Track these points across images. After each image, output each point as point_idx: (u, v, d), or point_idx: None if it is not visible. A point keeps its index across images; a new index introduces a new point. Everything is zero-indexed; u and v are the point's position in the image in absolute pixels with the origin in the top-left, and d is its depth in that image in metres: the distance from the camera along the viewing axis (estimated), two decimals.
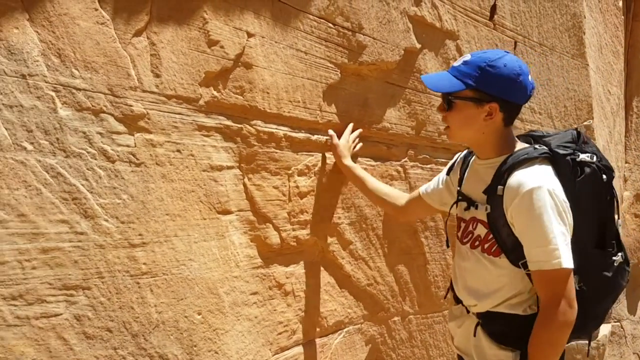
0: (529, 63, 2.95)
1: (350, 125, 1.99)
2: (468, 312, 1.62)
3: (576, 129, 1.61)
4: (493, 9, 2.70)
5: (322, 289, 1.99)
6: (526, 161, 1.45)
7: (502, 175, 1.45)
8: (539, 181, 1.40)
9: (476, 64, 1.43)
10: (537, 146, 1.50)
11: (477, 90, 1.43)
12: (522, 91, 1.46)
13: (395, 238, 2.29)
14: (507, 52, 1.49)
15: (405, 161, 2.32)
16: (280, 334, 1.84)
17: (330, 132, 1.94)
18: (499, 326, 1.52)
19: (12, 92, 1.27)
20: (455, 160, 1.74)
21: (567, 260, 1.37)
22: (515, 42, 2.85)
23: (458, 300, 1.68)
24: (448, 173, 1.74)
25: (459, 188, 1.65)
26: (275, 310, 1.82)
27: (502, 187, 1.44)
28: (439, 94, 1.57)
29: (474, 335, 1.57)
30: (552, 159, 1.48)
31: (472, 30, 2.54)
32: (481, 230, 1.53)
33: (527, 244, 1.42)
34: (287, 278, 1.87)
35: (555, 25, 3.11)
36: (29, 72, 1.29)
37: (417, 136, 2.35)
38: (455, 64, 1.49)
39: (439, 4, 2.32)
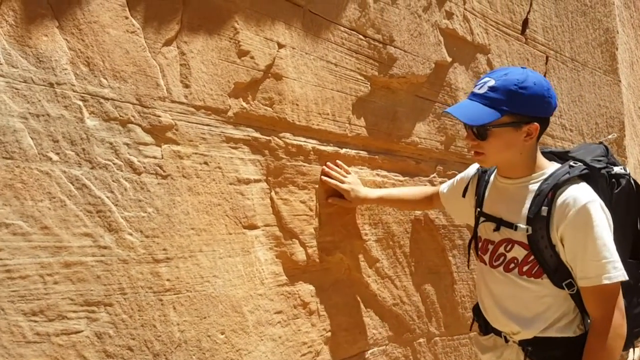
0: (560, 79, 2.87)
1: (338, 162, 1.87)
2: (507, 341, 1.54)
3: (601, 142, 1.57)
4: (525, 23, 2.64)
5: (347, 308, 1.92)
6: (569, 180, 1.41)
7: (545, 195, 1.41)
8: (592, 196, 1.38)
9: (506, 88, 1.37)
10: (572, 163, 1.46)
11: (514, 114, 1.39)
12: (552, 104, 1.44)
13: (423, 256, 2.22)
14: (525, 68, 1.45)
15: (434, 177, 2.26)
16: (304, 355, 1.77)
17: (327, 180, 1.81)
18: (551, 351, 1.46)
19: (40, 100, 1.24)
20: (469, 181, 1.67)
21: (624, 273, 1.36)
22: (547, 57, 2.78)
23: (487, 330, 1.59)
24: (463, 195, 1.66)
25: (479, 209, 1.57)
26: (299, 330, 1.75)
27: (546, 207, 1.39)
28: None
29: None
30: (589, 174, 1.44)
31: (503, 44, 2.48)
32: (519, 252, 1.46)
33: (583, 258, 1.37)
34: (312, 296, 1.80)
35: (588, 40, 3.03)
36: (57, 81, 1.26)
37: (446, 151, 2.29)
38: (479, 90, 1.41)
39: (470, 17, 2.27)
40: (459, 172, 2.37)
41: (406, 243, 2.15)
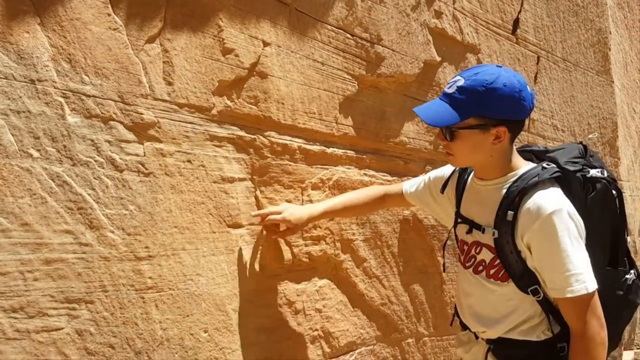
0: (552, 79, 2.87)
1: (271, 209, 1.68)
2: (477, 337, 1.55)
3: (581, 142, 1.54)
4: (516, 22, 2.63)
5: (334, 307, 1.92)
6: (538, 184, 1.36)
7: (512, 199, 1.37)
8: (558, 204, 1.33)
9: (473, 89, 1.32)
10: (545, 165, 1.42)
11: (480, 116, 1.34)
12: (525, 106, 1.36)
13: (411, 256, 2.21)
14: (500, 67, 1.38)
15: None
16: None
17: (264, 223, 1.65)
18: (512, 351, 1.46)
19: (20, 97, 1.24)
20: (449, 177, 1.63)
21: (592, 283, 1.32)
22: (538, 57, 2.77)
23: (465, 327, 1.59)
24: (442, 191, 1.64)
25: (457, 209, 1.56)
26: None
27: (512, 212, 1.36)
28: None
29: None
30: (562, 177, 1.40)
31: (493, 44, 2.48)
32: (486, 255, 1.46)
33: (549, 270, 1.35)
34: (298, 296, 1.80)
35: (580, 40, 3.03)
36: (38, 78, 1.26)
37: (435, 151, 2.28)
38: (449, 90, 1.36)
39: (460, 17, 2.27)
40: None
41: (394, 243, 2.14)
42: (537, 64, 2.76)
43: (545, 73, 2.82)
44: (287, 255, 1.77)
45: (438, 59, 2.20)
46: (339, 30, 1.87)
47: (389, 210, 2.12)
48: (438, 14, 2.17)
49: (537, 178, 1.37)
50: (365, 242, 2.04)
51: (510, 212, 1.36)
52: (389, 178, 2.11)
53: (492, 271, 1.45)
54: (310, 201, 1.84)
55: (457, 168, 1.60)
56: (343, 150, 1.96)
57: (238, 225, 1.64)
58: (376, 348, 2.09)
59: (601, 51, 3.15)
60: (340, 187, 1.93)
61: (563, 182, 1.40)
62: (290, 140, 1.78)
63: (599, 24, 3.13)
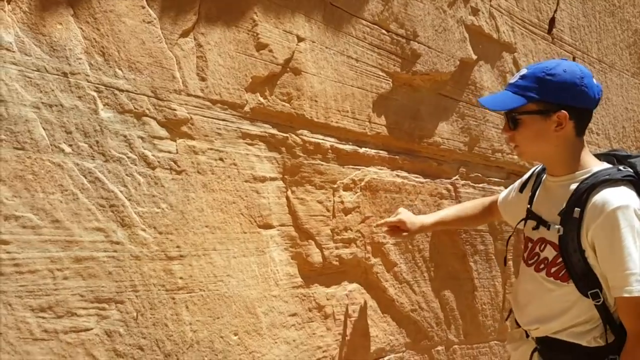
0: None
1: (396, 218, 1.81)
2: (527, 336, 1.51)
3: None
4: (552, 22, 2.56)
5: (364, 313, 1.86)
6: (608, 182, 1.33)
7: (580, 195, 1.34)
8: (625, 200, 1.30)
9: (534, 75, 1.37)
10: (621, 167, 1.38)
11: (542, 101, 1.36)
12: (589, 94, 1.37)
13: (443, 261, 2.14)
14: (564, 59, 1.44)
15: (456, 179, 2.19)
16: (318, 359, 1.71)
17: (380, 222, 1.83)
18: (558, 355, 1.41)
19: (53, 90, 1.21)
20: (529, 176, 1.63)
21: None
22: (574, 58, 2.69)
23: (519, 324, 1.54)
24: (521, 190, 1.61)
25: (529, 206, 1.54)
26: (314, 333, 1.70)
27: (579, 209, 1.33)
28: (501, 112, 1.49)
29: None
30: (637, 182, 1.36)
31: (529, 43, 2.40)
32: (549, 253, 1.42)
33: (610, 268, 1.31)
34: (327, 300, 1.74)
35: (616, 41, 2.93)
36: (70, 71, 1.23)
37: (469, 153, 2.21)
38: (512, 80, 1.43)
39: (496, 15, 2.20)
40: (483, 175, 2.32)
41: (426, 247, 2.08)
42: None
43: None
44: (318, 257, 1.71)
45: (474, 57, 2.13)
46: (374, 26, 1.82)
47: (421, 213, 2.05)
48: (475, 11, 2.11)
49: (608, 177, 1.34)
50: (396, 246, 1.97)
51: (577, 209, 1.34)
52: (422, 180, 2.05)
53: (553, 269, 1.41)
54: (342, 203, 1.78)
55: (538, 168, 1.59)
56: (375, 151, 1.90)
57: (269, 226, 1.59)
58: (405, 355, 2.03)
59: (637, 52, 3.05)
60: (371, 189, 1.88)
61: (638, 187, 1.35)
62: (323, 140, 1.73)
63: (636, 24, 3.03)
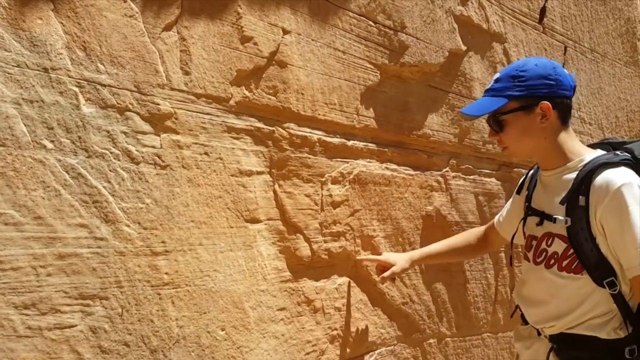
0: (579, 70, 2.76)
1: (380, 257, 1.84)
2: (539, 334, 1.47)
3: None
4: (542, 11, 2.54)
5: (354, 306, 1.86)
6: (607, 165, 1.33)
7: (581, 183, 1.33)
8: (628, 177, 1.29)
9: (508, 75, 1.41)
10: (618, 152, 1.38)
11: (521, 97, 1.38)
12: (564, 82, 1.39)
13: None
14: (532, 56, 1.49)
15: (447, 171, 2.18)
16: (308, 354, 1.71)
17: (363, 258, 1.85)
18: (577, 352, 1.37)
19: (33, 86, 1.19)
20: (523, 179, 1.62)
21: None
22: (565, 47, 2.67)
23: (526, 321, 1.53)
24: (518, 192, 1.61)
25: (527, 203, 1.52)
26: (303, 328, 1.70)
27: (583, 197, 1.32)
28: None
29: None
30: (635, 166, 1.35)
31: (520, 33, 2.38)
32: (558, 246, 1.39)
33: (622, 247, 1.29)
34: (317, 294, 1.74)
35: (608, 30, 2.92)
36: (51, 66, 1.22)
37: (460, 144, 2.21)
38: (488, 87, 1.47)
39: (486, 4, 2.18)
40: (474, 167, 2.31)
41: (416, 240, 2.07)
42: (564, 54, 2.66)
43: (573, 64, 2.72)
44: (307, 251, 1.71)
45: (463, 48, 2.12)
46: (361, 18, 1.81)
47: (411, 206, 2.05)
48: (464, 1, 2.09)
49: (606, 161, 1.34)
50: (387, 239, 1.97)
51: (581, 197, 1.33)
52: (412, 172, 2.04)
53: (564, 263, 1.38)
54: (330, 196, 1.78)
55: (531, 170, 1.57)
56: (364, 143, 1.89)
57: (256, 220, 1.58)
58: (397, 348, 2.03)
59: (630, 41, 3.03)
60: (360, 182, 1.87)
61: (636, 171, 1.34)
62: (310, 133, 1.72)
63: (628, 13, 3.01)
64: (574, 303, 1.37)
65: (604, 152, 1.39)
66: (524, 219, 1.51)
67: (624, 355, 1.32)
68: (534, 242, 1.46)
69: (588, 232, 1.32)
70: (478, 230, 1.80)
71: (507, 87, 1.38)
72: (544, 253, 1.42)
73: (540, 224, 1.44)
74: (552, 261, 1.41)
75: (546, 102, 1.35)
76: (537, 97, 1.36)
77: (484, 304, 2.32)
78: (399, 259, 1.77)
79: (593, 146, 1.46)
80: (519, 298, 1.56)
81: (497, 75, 1.44)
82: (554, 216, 1.38)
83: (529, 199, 1.52)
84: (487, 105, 1.41)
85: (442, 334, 2.19)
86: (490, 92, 1.43)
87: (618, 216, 1.27)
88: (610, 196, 1.27)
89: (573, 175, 1.36)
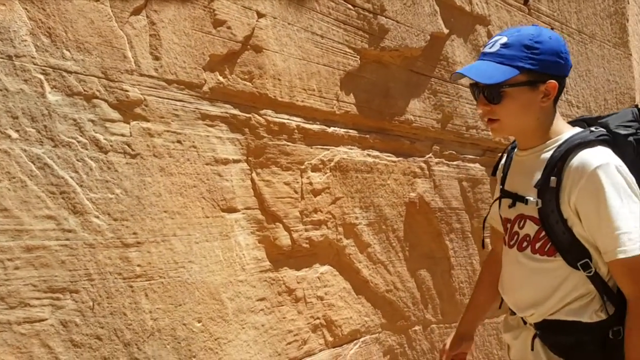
0: None
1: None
2: (525, 323, 1.44)
3: (637, 105, 1.44)
4: None
5: (337, 295, 1.84)
6: (582, 144, 1.28)
7: (555, 164, 1.29)
8: (604, 158, 1.25)
9: (520, 42, 1.27)
10: (593, 129, 1.33)
11: (532, 72, 1.28)
12: (569, 62, 1.33)
13: (418, 241, 2.13)
14: (536, 25, 1.36)
15: (430, 157, 2.16)
16: (289, 343, 1.69)
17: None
18: (561, 337, 1.35)
19: None
20: (500, 159, 1.56)
21: None
22: (552, 29, 2.63)
23: (513, 311, 1.50)
24: (494, 173, 1.56)
25: (501, 186, 1.48)
26: (284, 318, 1.68)
27: (555, 178, 1.28)
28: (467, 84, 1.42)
29: (532, 350, 1.39)
30: (612, 141, 1.31)
31: (504, 15, 2.35)
32: (530, 228, 1.36)
33: (599, 231, 1.25)
34: (298, 283, 1.72)
35: (596, 11, 2.88)
36: (15, 53, 1.19)
37: (443, 130, 2.18)
38: (491, 49, 1.30)
39: None
40: (457, 152, 2.28)
41: (400, 227, 2.05)
42: None
43: None
44: (287, 240, 1.68)
45: (446, 31, 2.08)
46: (340, 1, 1.77)
47: (394, 193, 2.02)
48: None
49: (580, 140, 1.29)
50: (369, 227, 1.95)
51: (553, 178, 1.28)
52: (394, 159, 2.02)
53: (537, 245, 1.34)
54: (310, 184, 1.75)
55: (508, 148, 1.50)
56: (345, 130, 1.86)
57: (233, 210, 1.56)
58: (381, 336, 2.02)
59: (618, 22, 3.00)
60: (342, 169, 1.84)
61: (612, 146, 1.30)
62: (288, 119, 1.69)
63: None
64: (549, 288, 1.34)
65: (580, 130, 1.34)
66: (499, 201, 1.47)
67: (609, 337, 1.30)
68: (508, 225, 1.43)
69: (558, 214, 1.28)
70: (489, 253, 1.70)
71: (518, 56, 1.26)
72: (516, 235, 1.39)
73: (512, 205, 1.40)
74: (525, 244, 1.37)
75: (554, 81, 1.28)
76: (545, 74, 1.27)
77: (469, 290, 2.31)
78: (461, 335, 1.62)
79: (571, 124, 1.41)
80: (500, 285, 1.55)
81: (505, 39, 1.28)
82: (526, 197, 1.34)
83: (503, 180, 1.48)
84: (496, 74, 1.27)
85: (427, 320, 2.18)
86: (495, 56, 1.28)
87: (594, 199, 1.24)
88: (585, 178, 1.24)
89: (548, 154, 1.32)
